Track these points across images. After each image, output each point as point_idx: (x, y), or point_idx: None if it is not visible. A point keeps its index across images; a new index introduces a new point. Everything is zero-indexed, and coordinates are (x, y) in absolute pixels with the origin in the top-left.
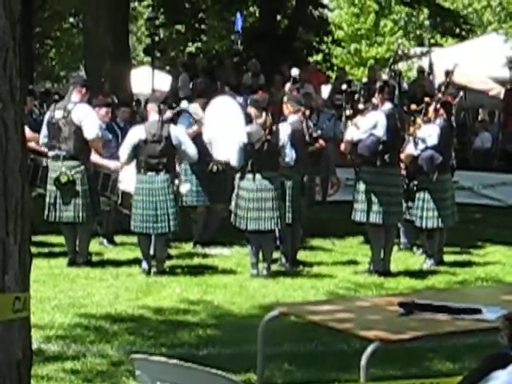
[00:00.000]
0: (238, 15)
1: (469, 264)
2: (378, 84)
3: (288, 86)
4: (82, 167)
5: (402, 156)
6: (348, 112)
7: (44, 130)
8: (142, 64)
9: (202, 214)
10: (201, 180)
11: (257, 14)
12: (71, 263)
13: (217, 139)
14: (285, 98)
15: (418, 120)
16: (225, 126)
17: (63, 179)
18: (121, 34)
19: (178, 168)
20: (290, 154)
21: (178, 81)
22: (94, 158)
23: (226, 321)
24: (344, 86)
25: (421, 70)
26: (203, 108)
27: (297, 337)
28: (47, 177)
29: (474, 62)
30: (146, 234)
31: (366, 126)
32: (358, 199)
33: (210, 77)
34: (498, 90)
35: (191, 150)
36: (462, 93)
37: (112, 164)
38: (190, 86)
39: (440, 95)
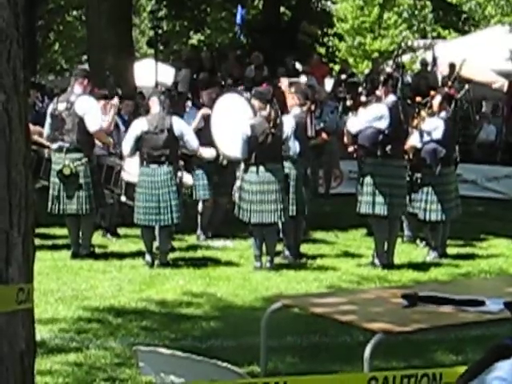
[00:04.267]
0: (239, 8)
1: (472, 256)
2: (382, 76)
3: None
4: (85, 159)
5: (406, 147)
6: (348, 103)
7: (48, 123)
8: (145, 56)
9: (210, 207)
10: (210, 173)
11: (260, 7)
12: (74, 255)
13: (225, 136)
14: (292, 89)
15: (423, 113)
16: (233, 123)
17: (66, 171)
18: (124, 27)
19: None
20: (293, 147)
21: (178, 74)
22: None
23: (230, 313)
24: (344, 76)
25: (424, 63)
26: (210, 98)
27: (300, 329)
28: (50, 169)
29: (477, 55)
30: (149, 227)
31: (367, 116)
32: (362, 191)
33: (212, 70)
34: (502, 83)
35: (193, 141)
36: (467, 86)
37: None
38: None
39: (446, 89)
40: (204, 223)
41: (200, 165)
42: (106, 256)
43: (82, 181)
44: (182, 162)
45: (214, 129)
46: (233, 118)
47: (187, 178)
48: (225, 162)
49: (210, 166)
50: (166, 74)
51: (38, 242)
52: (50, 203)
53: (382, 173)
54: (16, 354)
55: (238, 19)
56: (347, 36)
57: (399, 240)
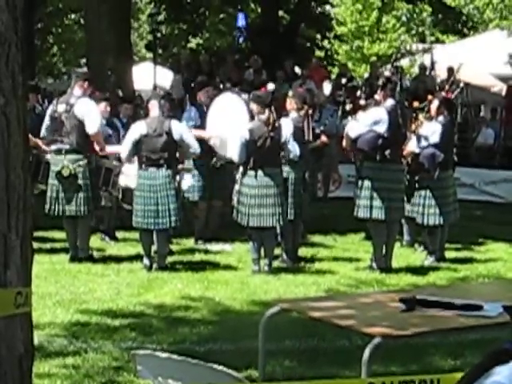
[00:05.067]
0: (241, 14)
1: (470, 261)
2: (381, 80)
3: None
4: (84, 161)
5: (404, 153)
6: (348, 107)
7: (46, 124)
8: (143, 60)
9: (204, 210)
10: (203, 175)
11: (258, 10)
12: (73, 259)
13: (221, 136)
14: (290, 93)
15: (421, 117)
16: (229, 123)
17: (65, 173)
18: (123, 30)
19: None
20: (293, 150)
21: (172, 80)
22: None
23: (228, 317)
24: (344, 80)
25: (422, 67)
26: (208, 96)
27: (298, 333)
28: (49, 173)
29: (476, 59)
30: (147, 230)
31: (367, 120)
32: (360, 195)
33: (210, 74)
34: (500, 87)
35: (193, 144)
36: (462, 84)
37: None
38: (192, 85)
39: (443, 93)
40: (199, 226)
41: (194, 165)
42: (105, 259)
43: (80, 182)
44: (180, 166)
45: (210, 128)
46: (229, 119)
47: (185, 182)
48: (218, 164)
49: (203, 167)
50: (165, 77)
51: (36, 245)
52: (48, 205)
53: (380, 177)
54: (14, 357)
55: (242, 21)
56: (346, 39)
57: (397, 244)
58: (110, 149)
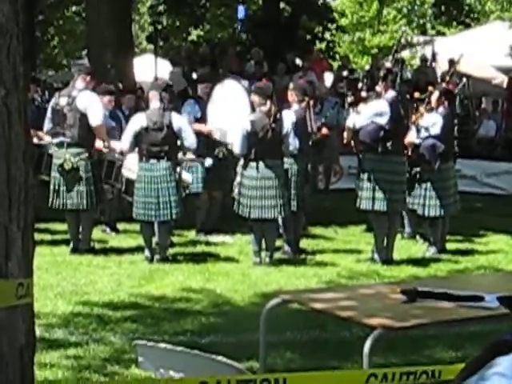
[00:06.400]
0: (241, 6)
1: (471, 252)
2: (382, 72)
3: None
4: (86, 154)
5: (405, 143)
6: (350, 99)
7: (48, 117)
8: (144, 52)
9: (206, 201)
10: (204, 167)
11: (260, 2)
12: (74, 251)
13: (221, 128)
14: (290, 86)
15: (421, 108)
16: (230, 110)
17: (67, 166)
18: (123, 22)
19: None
20: (293, 143)
21: (170, 73)
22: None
23: (229, 309)
24: (345, 73)
25: (424, 59)
26: (205, 93)
27: (299, 324)
28: (52, 164)
29: (477, 51)
30: (148, 222)
31: (369, 112)
32: (362, 187)
33: (212, 66)
34: (502, 79)
35: (190, 139)
36: (464, 79)
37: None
38: (194, 76)
39: (443, 84)
40: (201, 218)
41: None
42: (106, 251)
43: (82, 175)
44: (180, 155)
45: (211, 117)
46: (229, 107)
47: (186, 176)
48: (221, 155)
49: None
50: (166, 69)
51: (37, 236)
52: (50, 198)
53: (382, 169)
54: (16, 348)
55: (242, 14)
56: (347, 31)
57: (398, 236)
58: (113, 144)
